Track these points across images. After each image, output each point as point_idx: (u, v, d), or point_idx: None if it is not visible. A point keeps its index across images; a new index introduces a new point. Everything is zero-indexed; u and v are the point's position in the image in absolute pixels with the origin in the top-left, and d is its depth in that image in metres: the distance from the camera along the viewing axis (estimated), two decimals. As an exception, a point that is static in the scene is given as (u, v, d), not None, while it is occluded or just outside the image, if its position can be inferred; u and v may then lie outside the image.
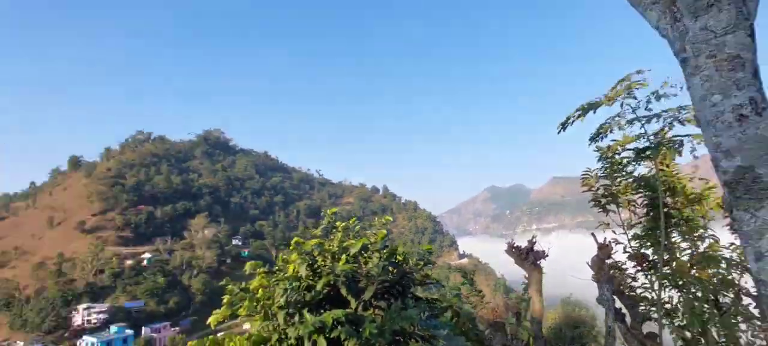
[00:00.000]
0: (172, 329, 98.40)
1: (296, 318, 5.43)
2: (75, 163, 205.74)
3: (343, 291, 5.62)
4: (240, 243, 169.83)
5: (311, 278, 5.88)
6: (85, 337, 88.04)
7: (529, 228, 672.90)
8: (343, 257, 6.07)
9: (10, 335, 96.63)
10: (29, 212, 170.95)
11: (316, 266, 5.99)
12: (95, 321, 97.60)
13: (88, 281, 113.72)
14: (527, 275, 5.44)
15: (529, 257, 5.33)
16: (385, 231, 6.09)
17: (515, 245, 5.52)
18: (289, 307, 5.40)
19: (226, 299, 6.21)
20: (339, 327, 5.15)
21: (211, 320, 6.31)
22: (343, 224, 6.56)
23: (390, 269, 6.01)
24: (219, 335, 7.02)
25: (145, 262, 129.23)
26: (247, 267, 5.97)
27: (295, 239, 6.28)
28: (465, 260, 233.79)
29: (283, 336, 5.60)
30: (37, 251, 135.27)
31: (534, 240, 5.30)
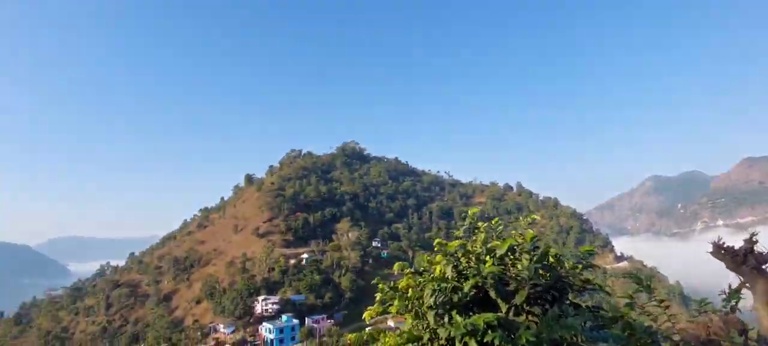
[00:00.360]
0: (328, 320, 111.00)
1: (446, 319, 5.44)
2: (249, 179, 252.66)
3: (492, 294, 5.39)
4: (379, 245, 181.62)
5: (456, 279, 5.83)
6: (264, 323, 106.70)
7: (712, 224, 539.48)
8: (488, 258, 5.84)
9: (214, 318, 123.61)
10: (221, 221, 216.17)
11: (460, 267, 5.92)
12: (270, 310, 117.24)
13: (264, 277, 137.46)
14: (748, 284, 4.15)
15: (747, 260, 4.03)
16: (533, 232, 5.63)
17: (725, 245, 4.29)
18: (438, 308, 5.45)
19: (378, 296, 6.61)
20: (490, 331, 4.96)
21: (366, 315, 6.81)
22: (485, 224, 6.32)
23: (541, 272, 5.52)
24: (368, 329, 7.58)
25: (303, 261, 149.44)
26: (396, 267, 6.25)
27: (437, 240, 6.32)
28: (624, 264, 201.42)
29: (433, 336, 5.69)
30: (228, 252, 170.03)
31: (755, 239, 3.91)
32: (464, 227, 6.36)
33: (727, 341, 4.10)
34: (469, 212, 6.34)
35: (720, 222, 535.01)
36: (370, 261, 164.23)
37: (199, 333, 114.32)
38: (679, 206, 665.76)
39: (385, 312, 6.80)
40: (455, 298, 5.50)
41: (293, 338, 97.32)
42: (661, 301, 4.77)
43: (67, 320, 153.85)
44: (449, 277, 5.51)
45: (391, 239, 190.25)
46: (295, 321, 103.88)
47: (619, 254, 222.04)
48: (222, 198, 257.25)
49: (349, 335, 7.26)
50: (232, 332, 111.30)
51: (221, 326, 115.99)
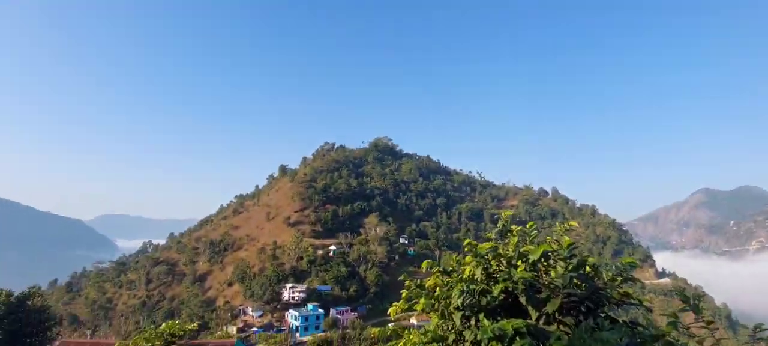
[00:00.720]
0: (352, 313, 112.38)
1: (472, 322, 5.33)
2: (283, 170, 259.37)
3: (523, 300, 5.23)
4: (406, 242, 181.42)
5: (486, 282, 5.70)
6: (290, 310, 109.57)
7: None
8: (520, 263, 5.67)
9: (244, 301, 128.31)
10: (254, 208, 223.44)
11: (490, 270, 5.78)
12: (297, 298, 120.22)
13: (292, 265, 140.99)
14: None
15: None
16: (569, 239, 5.40)
17: None
18: (465, 309, 5.35)
19: (404, 293, 6.59)
20: (519, 338, 4.81)
21: (391, 310, 6.82)
22: (519, 228, 6.13)
23: (577, 281, 5.29)
24: (391, 325, 7.58)
25: (331, 253, 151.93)
26: (424, 265, 6.20)
27: (467, 241, 6.20)
28: (666, 280, 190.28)
29: (459, 338, 5.60)
30: (260, 239, 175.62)
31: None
32: (496, 230, 6.20)
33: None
34: (502, 214, 6.17)
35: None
36: (397, 257, 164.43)
37: (229, 314, 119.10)
38: (732, 222, 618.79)
39: (410, 309, 6.77)
40: (483, 301, 5.38)
41: (317, 327, 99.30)
42: (709, 322, 4.43)
43: (112, 292, 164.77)
44: (478, 279, 5.39)
45: (418, 237, 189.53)
46: (320, 311, 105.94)
47: (660, 270, 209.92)
48: (256, 186, 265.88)
49: (373, 330, 7.30)
50: (260, 316, 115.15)
51: (250, 309, 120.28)
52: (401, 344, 6.09)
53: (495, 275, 5.81)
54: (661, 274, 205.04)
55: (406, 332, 6.43)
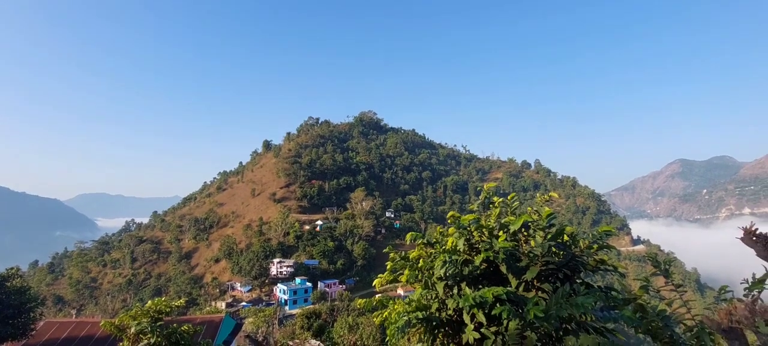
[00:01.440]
0: (340, 285, 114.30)
1: (455, 291, 5.49)
2: (267, 145, 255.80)
3: (503, 269, 5.39)
4: (392, 215, 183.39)
5: (468, 252, 5.83)
6: (278, 284, 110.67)
7: (737, 212, 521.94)
8: (502, 233, 5.81)
9: (231, 277, 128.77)
10: (239, 185, 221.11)
11: (473, 241, 5.91)
12: (285, 273, 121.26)
13: (279, 241, 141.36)
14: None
15: (782, 248, 3.84)
16: (550, 209, 5.54)
17: (758, 232, 4.09)
18: (448, 279, 5.49)
19: (389, 265, 6.70)
20: (498, 305, 4.99)
21: (376, 282, 6.94)
22: (501, 200, 6.25)
23: (555, 249, 5.47)
24: (377, 296, 7.74)
25: (318, 228, 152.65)
26: (408, 238, 6.28)
27: (451, 213, 6.30)
28: (640, 247, 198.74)
29: (442, 306, 5.77)
30: (246, 215, 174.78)
31: (790, 227, 3.66)
32: (479, 202, 6.30)
33: (751, 329, 4.00)
34: (485, 187, 6.27)
35: (746, 210, 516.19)
36: (383, 231, 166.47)
37: (217, 290, 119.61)
38: (704, 191, 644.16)
39: (395, 281, 6.91)
40: (466, 270, 5.53)
41: (306, 300, 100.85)
42: (678, 285, 4.67)
43: (96, 272, 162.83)
44: (461, 250, 5.51)
45: (404, 210, 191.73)
46: (308, 284, 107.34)
47: (635, 238, 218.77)
48: (240, 163, 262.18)
49: (360, 301, 7.45)
50: (249, 290, 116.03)
51: (238, 284, 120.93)
52: (386, 313, 6.24)
53: (477, 246, 5.95)
54: (636, 241, 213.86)
55: (392, 302, 6.58)
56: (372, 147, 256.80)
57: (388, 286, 8.37)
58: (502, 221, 5.93)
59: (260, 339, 37.14)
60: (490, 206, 6.27)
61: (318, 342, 35.09)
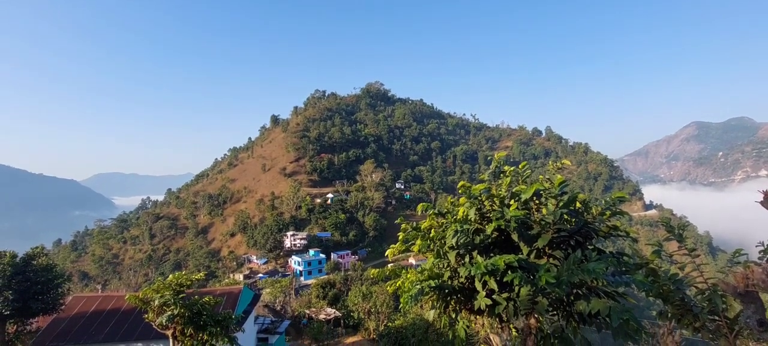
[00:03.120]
0: (353, 256, 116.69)
1: (466, 259, 5.58)
2: (275, 120, 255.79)
3: (515, 237, 5.44)
4: (402, 186, 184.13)
5: (479, 222, 5.88)
6: (293, 256, 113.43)
7: (754, 174, 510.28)
8: (513, 202, 5.83)
9: (247, 250, 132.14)
10: (249, 160, 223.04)
11: (484, 210, 5.94)
12: (298, 245, 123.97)
13: (292, 214, 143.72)
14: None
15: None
16: (561, 177, 5.51)
17: None
18: (460, 248, 5.57)
19: (401, 235, 6.81)
20: (510, 272, 5.07)
21: (388, 252, 7.08)
22: (512, 168, 6.22)
23: (567, 217, 5.48)
24: (390, 265, 7.91)
25: (329, 200, 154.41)
26: (419, 209, 6.34)
27: (461, 183, 6.32)
28: (653, 212, 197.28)
29: (454, 275, 5.89)
30: (257, 190, 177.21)
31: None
32: (489, 171, 6.30)
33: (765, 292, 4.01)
34: (495, 156, 6.24)
35: (763, 172, 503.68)
36: (393, 202, 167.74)
37: (234, 263, 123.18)
38: (720, 154, 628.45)
39: (407, 250, 7.04)
40: (477, 239, 5.60)
41: (320, 271, 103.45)
42: (691, 250, 4.67)
43: (117, 248, 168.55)
44: (472, 219, 5.57)
45: (414, 181, 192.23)
46: (322, 255, 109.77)
47: (648, 203, 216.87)
48: (249, 138, 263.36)
49: (373, 271, 7.63)
50: (265, 263, 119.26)
51: (254, 257, 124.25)
52: (399, 282, 6.39)
53: (488, 215, 6.00)
54: (649, 206, 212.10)
55: (404, 271, 6.72)
56: (380, 119, 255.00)
57: (400, 255, 8.54)
58: (514, 190, 5.94)
59: (278, 308, 38.47)
60: (501, 175, 6.27)
61: (334, 310, 36.21)
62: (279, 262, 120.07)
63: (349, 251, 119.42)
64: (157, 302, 11.71)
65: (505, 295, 5.32)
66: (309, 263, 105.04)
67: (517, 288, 5.09)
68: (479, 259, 5.30)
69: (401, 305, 5.91)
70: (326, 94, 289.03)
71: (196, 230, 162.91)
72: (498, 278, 5.25)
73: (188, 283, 12.51)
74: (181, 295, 12.10)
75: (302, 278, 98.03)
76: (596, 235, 5.50)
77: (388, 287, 6.84)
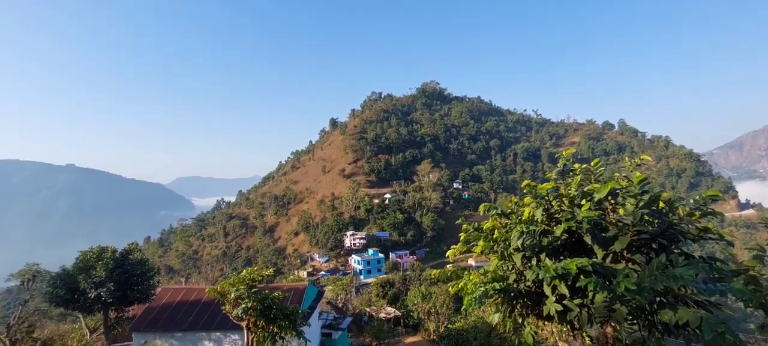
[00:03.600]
0: (411, 256, 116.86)
1: (533, 262, 5.36)
2: (333, 123, 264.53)
3: (587, 239, 5.12)
4: (460, 186, 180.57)
5: (547, 223, 5.62)
6: (353, 255, 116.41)
7: None
8: (585, 202, 5.48)
9: (310, 248, 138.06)
10: (310, 163, 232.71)
11: (551, 211, 5.66)
12: (358, 244, 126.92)
13: (351, 214, 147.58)
14: None
15: None
16: (641, 174, 5.07)
17: None
18: (526, 250, 5.36)
19: (462, 236, 6.71)
20: (583, 276, 4.78)
21: (449, 253, 7.01)
22: (583, 166, 5.86)
23: (648, 218, 5.03)
24: (449, 266, 7.82)
25: (386, 201, 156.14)
26: (481, 209, 6.21)
27: (526, 182, 6.08)
28: (750, 212, 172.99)
29: (520, 278, 5.68)
30: (318, 191, 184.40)
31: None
32: (557, 170, 5.98)
33: None
34: (563, 153, 5.91)
35: None
36: (451, 202, 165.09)
37: (298, 260, 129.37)
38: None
39: (468, 251, 6.93)
40: (545, 241, 5.35)
41: (379, 270, 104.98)
42: (805, 256, 4.05)
43: (196, 245, 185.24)
44: (539, 220, 5.33)
45: (472, 181, 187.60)
46: (381, 255, 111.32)
47: (744, 201, 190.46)
48: (310, 142, 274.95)
49: (434, 271, 7.59)
50: (326, 261, 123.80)
51: (316, 255, 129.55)
52: (461, 283, 6.30)
53: (556, 216, 5.70)
54: (745, 205, 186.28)
55: (466, 272, 6.62)
56: (436, 118, 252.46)
57: (459, 256, 8.41)
58: (585, 189, 5.59)
59: (340, 305, 39.73)
60: (570, 173, 5.92)
61: (393, 309, 36.55)
62: (340, 260, 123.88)
63: (407, 251, 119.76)
64: (232, 295, 12.70)
65: (577, 301, 5.03)
66: (368, 262, 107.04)
67: (591, 294, 4.80)
68: (548, 262, 5.07)
69: (463, 306, 5.82)
70: (382, 96, 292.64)
71: (263, 228, 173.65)
72: (569, 283, 4.98)
73: (260, 278, 13.42)
74: (254, 289, 13.01)
75: (362, 277, 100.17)
76: (683, 238, 4.99)
77: (450, 289, 6.77)
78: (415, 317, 33.48)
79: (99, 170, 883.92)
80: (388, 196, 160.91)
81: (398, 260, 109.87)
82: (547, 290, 5.21)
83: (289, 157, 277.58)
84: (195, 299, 21.82)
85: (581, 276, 4.85)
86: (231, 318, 12.93)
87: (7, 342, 23.07)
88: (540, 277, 4.90)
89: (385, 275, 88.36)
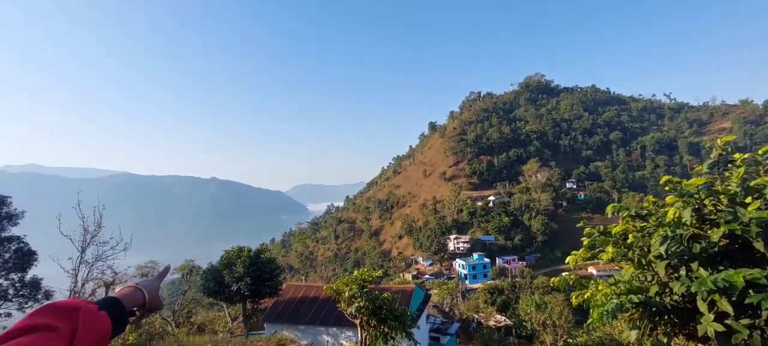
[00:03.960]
0: (520, 262, 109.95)
1: (682, 272, 4.55)
2: (432, 127, 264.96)
3: (758, 245, 4.16)
4: (574, 186, 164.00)
5: (698, 226, 4.73)
6: (457, 259, 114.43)
7: None
8: (751, 200, 4.47)
9: (414, 252, 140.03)
10: (411, 167, 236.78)
11: (704, 211, 4.75)
12: (462, 248, 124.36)
13: (453, 218, 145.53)
14: None
15: None
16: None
17: None
18: (671, 258, 4.59)
19: (585, 240, 6.06)
20: (753, 292, 3.89)
21: (569, 259, 6.37)
22: (745, 156, 4.81)
23: None
24: (564, 274, 7.07)
25: (490, 203, 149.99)
26: (609, 210, 5.53)
27: (667, 178, 5.21)
28: None
29: (663, 290, 4.88)
30: (420, 195, 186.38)
31: None
32: (709, 162, 4.99)
33: None
34: (718, 142, 4.91)
35: None
36: (564, 203, 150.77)
37: (403, 263, 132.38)
38: None
39: (593, 258, 6.21)
40: (697, 248, 4.50)
41: (485, 275, 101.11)
42: None
43: (312, 246, 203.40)
44: (687, 222, 4.51)
45: (589, 180, 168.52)
46: (486, 260, 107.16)
47: None
48: (410, 146, 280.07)
49: (554, 279, 7.01)
50: (430, 264, 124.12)
51: (420, 258, 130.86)
52: (587, 294, 5.66)
53: (710, 217, 4.76)
54: None
55: (593, 282, 5.95)
56: (543, 113, 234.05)
57: (580, 264, 7.59)
58: (751, 184, 4.55)
59: (447, 310, 39.42)
60: (728, 165, 4.88)
61: (504, 318, 34.84)
62: (443, 264, 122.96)
63: (515, 256, 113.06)
64: (346, 294, 13.57)
65: (746, 321, 4.12)
66: (473, 267, 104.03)
67: (766, 313, 3.89)
68: (702, 272, 4.28)
69: (589, 320, 5.21)
70: (481, 95, 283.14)
71: (369, 232, 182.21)
72: (733, 299, 4.12)
73: (370, 279, 14.09)
74: (365, 289, 13.71)
75: (467, 282, 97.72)
76: None
77: (573, 299, 6.16)
78: (529, 328, 31.34)
79: (234, 182, 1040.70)
80: (491, 198, 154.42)
81: (506, 265, 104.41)
82: (702, 307, 4.39)
83: (390, 163, 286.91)
84: (314, 296, 23.93)
85: (750, 291, 3.99)
86: (345, 315, 13.82)
87: (173, 324, 28.42)
88: (692, 290, 4.15)
89: (492, 281, 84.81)
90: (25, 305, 20.86)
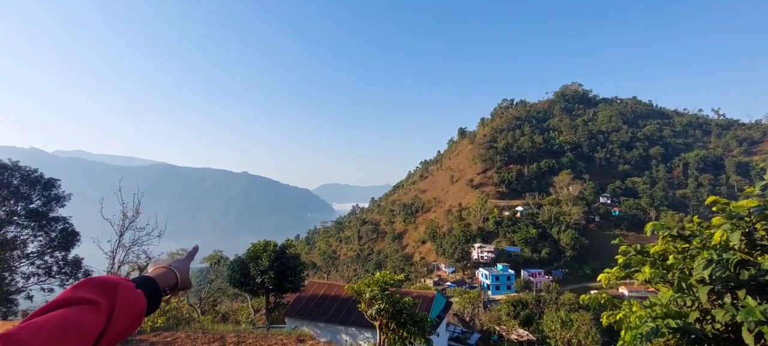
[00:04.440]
0: (546, 276, 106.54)
1: (727, 299, 4.25)
2: (462, 133, 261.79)
3: (817, 278, 3.82)
4: (608, 201, 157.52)
5: (747, 250, 4.40)
6: (480, 269, 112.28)
7: None
8: (811, 227, 4.11)
9: (436, 258, 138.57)
10: (438, 172, 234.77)
11: (755, 236, 4.42)
12: (486, 258, 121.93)
13: (479, 226, 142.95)
14: None
15: None
16: None
17: None
18: (715, 284, 4.29)
19: (619, 259, 5.78)
20: (810, 327, 3.56)
21: (602, 277, 6.10)
22: (806, 179, 4.44)
23: None
24: (594, 292, 6.75)
25: (518, 214, 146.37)
26: (647, 228, 5.25)
27: (713, 198, 4.89)
28: None
29: (704, 317, 4.56)
30: (446, 201, 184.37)
31: None
32: (763, 183, 4.64)
33: None
34: (774, 162, 4.55)
35: None
36: (597, 219, 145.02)
37: (425, 269, 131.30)
38: None
39: (627, 277, 5.91)
40: (745, 275, 4.19)
41: (509, 287, 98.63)
42: None
43: (335, 245, 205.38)
44: (736, 246, 4.20)
45: (625, 196, 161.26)
46: (511, 271, 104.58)
47: None
48: (438, 151, 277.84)
49: (583, 296, 6.73)
50: (453, 272, 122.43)
51: (443, 265, 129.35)
52: (620, 315, 5.38)
53: (762, 243, 4.41)
54: None
55: (626, 303, 5.66)
56: (578, 124, 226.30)
57: (612, 283, 7.22)
58: (811, 210, 4.18)
59: (467, 319, 38.74)
60: (785, 188, 4.51)
61: (526, 332, 33.84)
62: (466, 272, 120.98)
63: (541, 270, 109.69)
64: (367, 295, 13.58)
65: (798, 357, 3.80)
66: (497, 278, 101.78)
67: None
68: (750, 301, 3.98)
69: (620, 342, 4.94)
70: (514, 103, 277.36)
71: (393, 235, 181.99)
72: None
73: (391, 282, 14.04)
74: (386, 292, 13.67)
75: (489, 292, 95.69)
76: None
77: (603, 318, 5.88)
78: (552, 345, 30.29)
79: (264, 177, 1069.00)
80: (519, 208, 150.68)
81: (531, 278, 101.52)
82: (748, 339, 4.08)
83: (417, 167, 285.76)
84: (335, 294, 24.12)
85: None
86: (365, 316, 13.83)
87: (199, 311, 29.39)
88: (738, 320, 3.87)
89: (516, 293, 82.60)
90: (66, 282, 22.16)
